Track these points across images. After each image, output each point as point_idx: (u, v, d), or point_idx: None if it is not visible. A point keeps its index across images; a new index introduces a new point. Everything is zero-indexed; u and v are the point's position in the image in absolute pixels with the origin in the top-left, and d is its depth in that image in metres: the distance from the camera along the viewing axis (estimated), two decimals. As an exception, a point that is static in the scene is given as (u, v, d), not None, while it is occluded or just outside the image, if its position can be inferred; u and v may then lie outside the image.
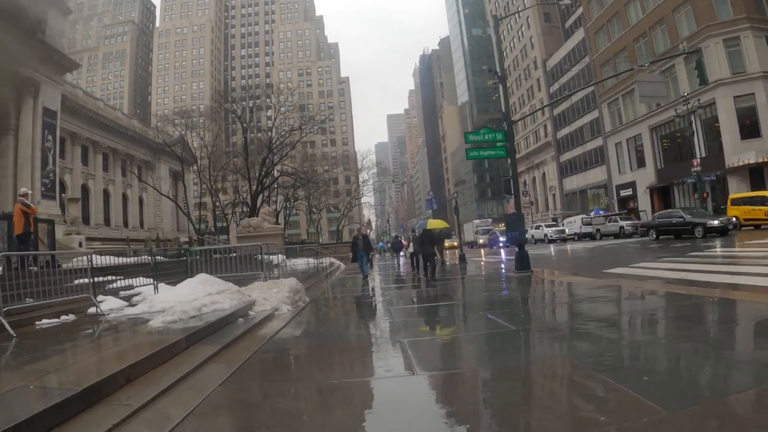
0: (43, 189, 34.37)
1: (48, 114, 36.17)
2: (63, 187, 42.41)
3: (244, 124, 53.69)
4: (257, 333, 7.48)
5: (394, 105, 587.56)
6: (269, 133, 55.84)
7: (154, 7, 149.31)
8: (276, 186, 60.17)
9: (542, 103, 65.63)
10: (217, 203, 60.34)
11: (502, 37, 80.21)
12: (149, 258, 13.41)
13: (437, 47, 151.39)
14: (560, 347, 5.26)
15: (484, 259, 28.58)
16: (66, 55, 39.64)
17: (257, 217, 35.73)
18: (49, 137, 36.11)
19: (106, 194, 51.73)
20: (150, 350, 5.48)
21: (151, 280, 11.83)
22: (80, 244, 29.34)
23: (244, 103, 62.92)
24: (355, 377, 4.88)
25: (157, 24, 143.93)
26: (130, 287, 11.92)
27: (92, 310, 9.46)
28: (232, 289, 10.15)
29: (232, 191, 64.48)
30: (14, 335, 7.17)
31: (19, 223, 12.55)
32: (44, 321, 8.43)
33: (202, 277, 10.85)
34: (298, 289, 11.31)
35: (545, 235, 42.94)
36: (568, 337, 5.75)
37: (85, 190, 47.48)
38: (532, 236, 43.22)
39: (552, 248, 32.18)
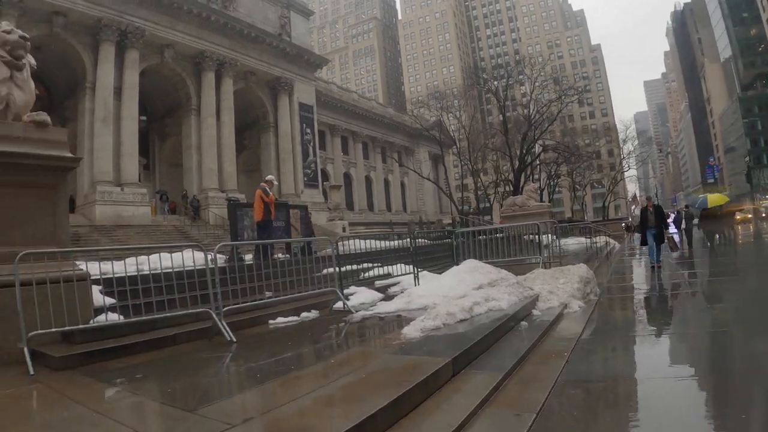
0: (305, 179, 38.51)
1: (304, 108, 40.08)
2: (326, 176, 47.13)
3: (500, 102, 52.14)
4: (548, 347, 5.50)
5: (649, 71, 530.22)
6: (526, 109, 54.24)
7: (394, 1, 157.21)
8: (538, 163, 57.75)
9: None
10: (479, 183, 60.77)
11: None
12: (405, 242, 11.76)
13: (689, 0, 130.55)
14: None
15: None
16: (314, 53, 43.79)
17: (521, 195, 34.60)
18: (308, 130, 40.03)
19: (368, 180, 56.24)
20: (394, 392, 3.48)
21: (412, 267, 10.29)
22: (344, 229, 31.49)
23: (496, 82, 61.42)
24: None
25: (399, 17, 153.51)
26: (388, 276, 10.68)
27: (338, 305, 7.99)
28: (509, 279, 8.34)
29: (493, 171, 63.64)
30: (234, 340, 5.90)
31: (258, 210, 12.71)
32: (279, 319, 7.30)
33: (470, 264, 9.35)
34: (589, 279, 9.07)
35: None
36: None
37: (347, 177, 51.94)
38: None
39: None
